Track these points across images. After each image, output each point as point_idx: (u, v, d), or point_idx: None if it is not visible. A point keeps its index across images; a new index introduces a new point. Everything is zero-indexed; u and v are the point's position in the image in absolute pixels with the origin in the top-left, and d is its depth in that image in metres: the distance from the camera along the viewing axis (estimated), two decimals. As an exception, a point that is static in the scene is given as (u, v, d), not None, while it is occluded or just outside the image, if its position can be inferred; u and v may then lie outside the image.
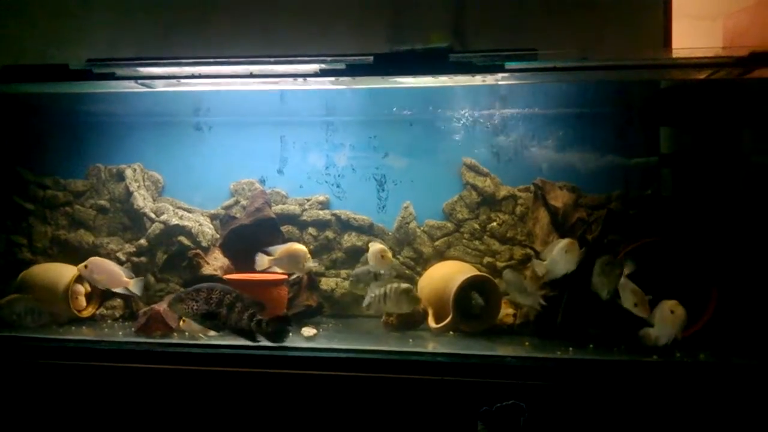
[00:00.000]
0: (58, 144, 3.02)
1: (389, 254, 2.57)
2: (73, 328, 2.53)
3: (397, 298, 2.38)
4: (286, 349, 2.21)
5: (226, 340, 2.27)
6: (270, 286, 2.55)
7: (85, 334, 2.46)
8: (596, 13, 2.66)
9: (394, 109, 2.86)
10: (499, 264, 2.77)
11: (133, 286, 2.56)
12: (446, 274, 2.61)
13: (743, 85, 2.48)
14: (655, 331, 2.15)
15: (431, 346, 2.34)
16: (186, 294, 2.26)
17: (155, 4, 2.90)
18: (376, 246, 2.60)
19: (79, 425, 2.16)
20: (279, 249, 2.54)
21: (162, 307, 2.42)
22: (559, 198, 2.60)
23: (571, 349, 2.23)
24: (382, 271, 2.59)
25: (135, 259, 2.84)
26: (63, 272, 2.65)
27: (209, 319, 2.24)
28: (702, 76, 2.35)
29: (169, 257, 2.83)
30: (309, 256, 2.58)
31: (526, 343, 2.35)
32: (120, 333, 2.46)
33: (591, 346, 2.27)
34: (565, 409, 1.97)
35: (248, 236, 2.72)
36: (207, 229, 2.84)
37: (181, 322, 2.38)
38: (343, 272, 2.87)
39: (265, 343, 2.20)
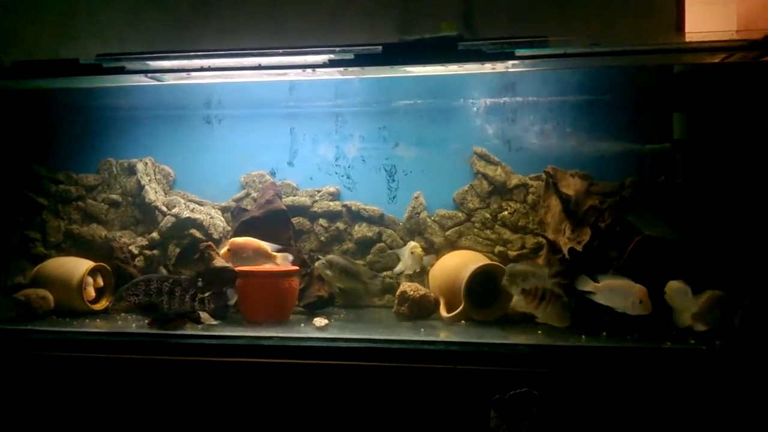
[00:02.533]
0: (70, 139, 3.04)
1: (419, 250, 2.62)
2: (87, 320, 2.55)
3: None
4: (298, 339, 2.22)
5: (237, 331, 2.28)
6: (282, 277, 2.54)
7: (99, 326, 2.47)
8: (608, 2, 2.64)
9: (404, 99, 2.85)
10: (511, 253, 2.75)
11: (281, 260, 2.53)
12: (458, 264, 2.60)
13: (757, 68, 2.44)
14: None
15: (443, 335, 2.33)
16: (125, 290, 2.31)
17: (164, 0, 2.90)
18: (408, 244, 2.66)
19: (91, 417, 2.18)
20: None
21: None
22: (571, 186, 2.58)
23: (584, 336, 2.22)
24: (416, 269, 2.63)
25: (147, 252, 2.86)
26: (76, 266, 2.67)
27: (152, 309, 2.27)
28: (716, 60, 2.32)
29: (182, 250, 2.84)
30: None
31: (539, 332, 2.33)
32: (133, 325, 2.47)
33: (604, 333, 2.26)
34: (578, 396, 1.97)
35: (259, 228, 2.72)
36: (218, 222, 2.86)
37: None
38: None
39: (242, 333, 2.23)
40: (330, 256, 2.66)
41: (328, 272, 2.61)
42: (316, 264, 2.63)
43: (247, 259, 2.51)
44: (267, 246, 2.54)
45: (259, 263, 2.53)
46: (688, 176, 2.63)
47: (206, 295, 2.31)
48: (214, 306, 2.30)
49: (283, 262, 2.54)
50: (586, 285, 2.22)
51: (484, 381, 1.99)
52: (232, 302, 2.36)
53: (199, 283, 2.31)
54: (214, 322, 2.37)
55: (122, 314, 2.50)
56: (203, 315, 2.37)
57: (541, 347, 2.14)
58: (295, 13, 2.81)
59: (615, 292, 2.20)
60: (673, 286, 2.23)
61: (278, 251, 2.54)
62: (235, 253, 2.52)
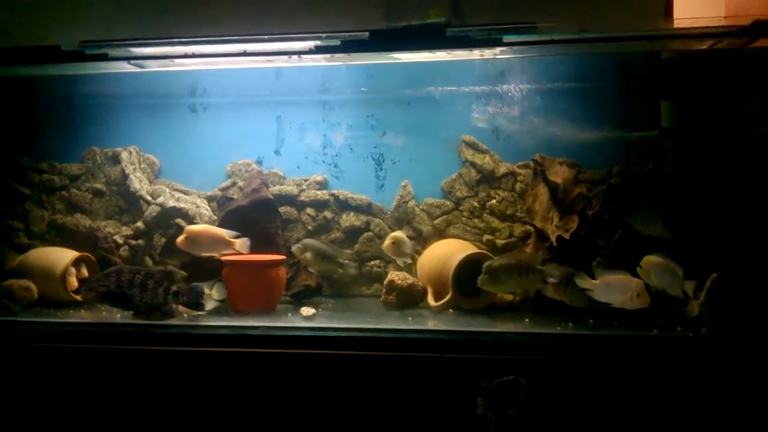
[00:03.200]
0: (54, 128, 2.99)
1: (400, 238, 2.59)
2: (71, 311, 2.52)
3: None
4: (285, 329, 2.21)
5: (221, 321, 2.27)
6: (269, 266, 2.53)
7: (83, 317, 2.45)
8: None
9: (392, 87, 2.82)
10: (499, 242, 2.75)
11: (240, 246, 2.50)
12: (445, 252, 2.59)
13: (746, 55, 2.44)
14: None
15: (431, 324, 2.33)
16: (95, 281, 2.27)
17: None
18: (390, 235, 2.63)
19: (75, 408, 2.16)
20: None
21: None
22: (559, 174, 2.57)
23: (571, 324, 2.22)
24: (400, 262, 2.62)
25: (132, 242, 2.83)
26: (60, 256, 2.63)
27: (123, 301, 2.25)
28: (704, 46, 2.31)
29: (167, 240, 2.81)
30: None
31: (526, 320, 2.33)
32: (118, 316, 2.44)
33: (591, 321, 2.26)
34: (565, 384, 1.97)
35: (246, 217, 2.70)
36: (204, 211, 2.83)
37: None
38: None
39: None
40: (305, 240, 2.64)
41: (304, 256, 2.58)
42: (293, 248, 2.60)
43: (204, 247, 2.47)
44: (225, 233, 2.50)
45: (218, 250, 2.49)
46: (676, 164, 2.62)
47: (179, 288, 2.29)
48: (188, 299, 2.27)
49: (242, 247, 2.50)
50: (584, 282, 2.21)
51: (471, 369, 1.98)
52: (213, 296, 2.35)
53: (173, 277, 2.28)
54: (202, 313, 2.35)
55: (92, 305, 2.46)
56: (181, 308, 2.35)
57: (528, 335, 2.14)
58: (282, 1, 2.78)
59: (612, 287, 2.18)
60: (651, 261, 2.22)
61: (236, 237, 2.51)
62: (192, 240, 2.48)
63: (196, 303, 2.30)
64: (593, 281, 2.20)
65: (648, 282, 2.20)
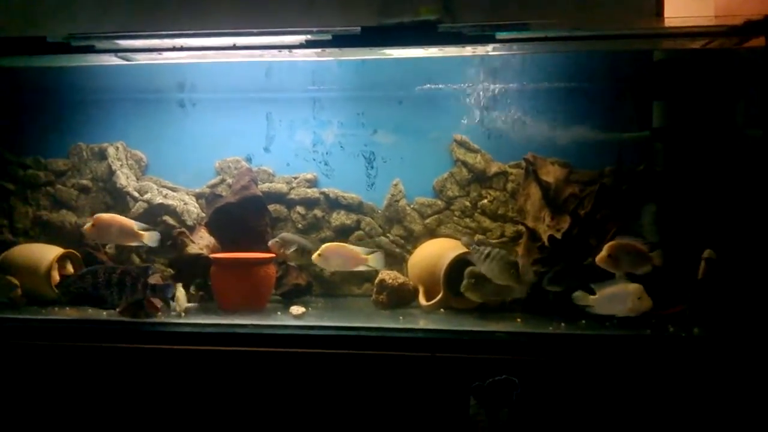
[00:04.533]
0: (39, 122, 2.94)
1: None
2: (56, 308, 2.47)
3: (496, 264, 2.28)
4: (274, 327, 2.18)
5: (211, 319, 2.24)
6: (258, 264, 2.49)
7: (68, 314, 2.40)
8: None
9: (383, 85, 2.80)
10: (491, 241, 2.73)
11: (148, 239, 2.45)
12: (436, 252, 2.57)
13: (737, 56, 2.44)
14: None
15: (422, 323, 2.31)
16: (72, 282, 2.24)
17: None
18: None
19: (60, 407, 2.12)
20: None
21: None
22: (551, 173, 2.56)
23: (563, 324, 2.21)
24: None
25: (119, 239, 2.79)
26: (44, 253, 2.59)
27: (102, 301, 2.22)
28: (696, 46, 2.31)
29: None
30: None
31: (518, 320, 2.32)
32: (104, 314, 2.40)
33: (583, 321, 2.25)
34: (557, 383, 1.95)
35: (234, 215, 2.67)
36: (192, 208, 2.79)
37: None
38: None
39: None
40: (282, 234, 2.60)
41: (282, 251, 2.54)
42: (270, 243, 2.55)
43: (112, 236, 2.43)
44: (134, 224, 2.46)
45: (125, 241, 2.45)
46: (668, 165, 2.62)
47: (155, 282, 2.26)
48: (160, 290, 2.25)
49: (151, 240, 2.46)
50: (584, 299, 2.18)
51: (463, 368, 1.97)
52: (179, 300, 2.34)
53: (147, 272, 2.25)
54: (190, 305, 2.32)
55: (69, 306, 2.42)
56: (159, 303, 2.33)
57: (520, 334, 2.13)
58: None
59: (612, 299, 2.16)
60: (618, 246, 2.22)
61: (145, 230, 2.46)
62: (100, 228, 2.43)
63: (166, 300, 2.28)
64: (592, 297, 2.17)
65: (617, 270, 2.20)
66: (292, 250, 2.51)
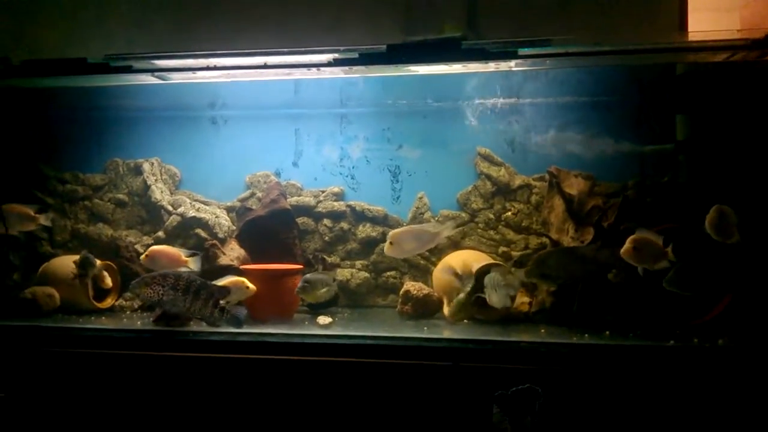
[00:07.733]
0: (77, 139, 3.06)
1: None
2: (93, 318, 2.57)
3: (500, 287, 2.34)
4: (303, 336, 2.23)
5: (242, 328, 2.29)
6: (286, 276, 2.56)
7: (105, 323, 2.49)
8: (611, 6, 2.65)
9: (408, 101, 2.87)
10: (514, 253, 2.76)
11: (192, 264, 2.59)
12: (461, 263, 2.61)
13: (760, 69, 2.45)
14: None
15: (446, 333, 2.34)
16: (152, 279, 2.29)
17: (171, 2, 2.94)
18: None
19: (97, 413, 2.19)
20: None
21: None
22: (574, 186, 2.58)
23: (586, 335, 2.22)
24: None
25: (153, 251, 2.88)
26: (82, 264, 2.69)
27: (174, 305, 2.26)
28: (718, 59, 2.32)
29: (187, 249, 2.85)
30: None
31: (542, 331, 2.33)
32: (138, 323, 2.48)
33: (607, 333, 2.26)
34: (580, 393, 1.97)
35: (264, 228, 2.75)
36: (223, 221, 2.87)
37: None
38: (358, 263, 2.88)
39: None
40: (308, 276, 2.49)
41: (314, 293, 2.49)
42: (296, 291, 2.45)
43: (164, 263, 2.57)
44: (181, 253, 2.60)
45: (175, 267, 2.57)
46: (691, 177, 2.63)
47: (225, 305, 2.31)
48: (230, 316, 2.29)
49: (195, 265, 2.58)
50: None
51: (486, 377, 1.99)
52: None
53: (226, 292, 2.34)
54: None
55: (137, 302, 2.63)
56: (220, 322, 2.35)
57: (543, 344, 2.14)
58: (299, 15, 2.84)
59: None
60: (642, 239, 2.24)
61: (189, 256, 2.60)
62: (153, 259, 2.59)
63: (237, 322, 2.30)
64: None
65: (639, 263, 2.23)
66: (320, 291, 2.51)
